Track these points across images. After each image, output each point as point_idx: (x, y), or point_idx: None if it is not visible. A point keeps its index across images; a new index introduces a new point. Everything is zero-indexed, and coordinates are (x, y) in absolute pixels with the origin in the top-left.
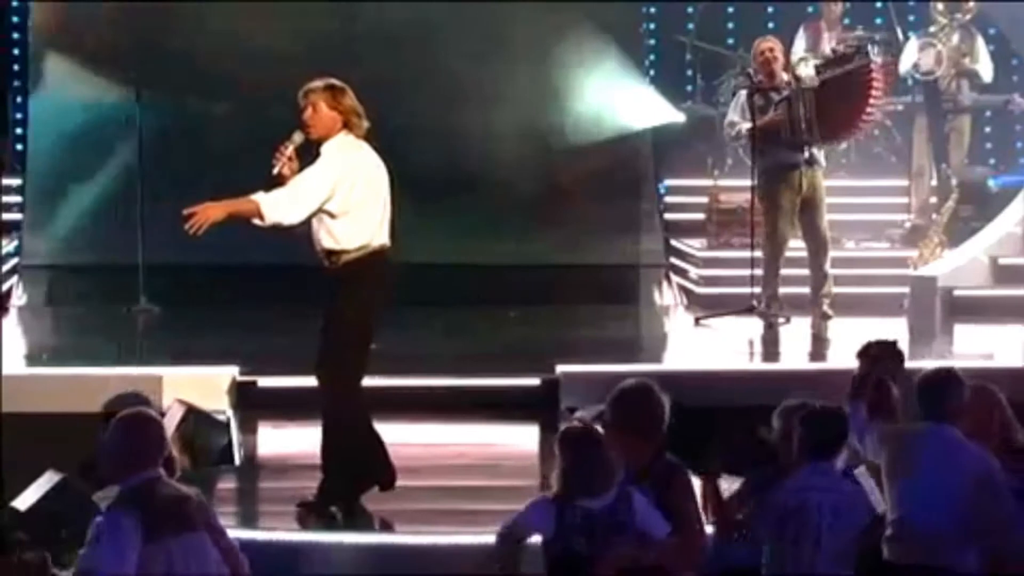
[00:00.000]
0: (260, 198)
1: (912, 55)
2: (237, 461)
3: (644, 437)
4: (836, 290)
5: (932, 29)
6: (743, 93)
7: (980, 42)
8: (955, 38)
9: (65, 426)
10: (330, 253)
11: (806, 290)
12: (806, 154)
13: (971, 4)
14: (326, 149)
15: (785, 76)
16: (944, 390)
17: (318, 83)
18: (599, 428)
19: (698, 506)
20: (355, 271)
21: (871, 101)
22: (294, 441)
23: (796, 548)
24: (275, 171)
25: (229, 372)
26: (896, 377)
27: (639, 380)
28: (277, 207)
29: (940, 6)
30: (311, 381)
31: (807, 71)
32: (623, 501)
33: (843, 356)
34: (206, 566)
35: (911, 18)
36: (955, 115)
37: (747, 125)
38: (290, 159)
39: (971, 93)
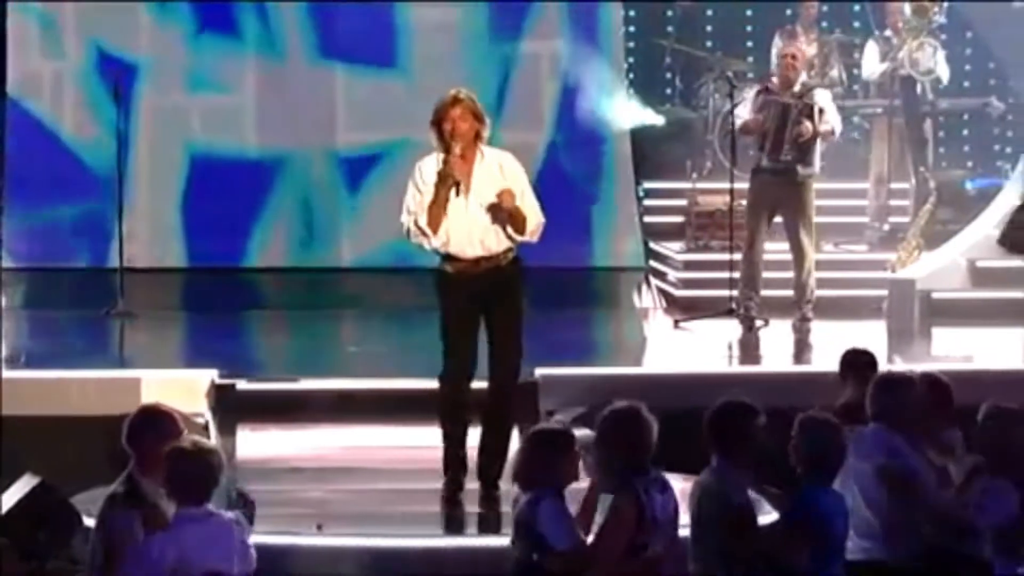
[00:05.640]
0: None
1: (874, 57)
2: None
3: (626, 458)
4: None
5: (888, 33)
6: (756, 89)
7: (939, 47)
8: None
9: (43, 429)
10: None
11: (786, 293)
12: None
13: (935, 11)
14: (515, 166)
15: (797, 87)
16: (893, 392)
17: (462, 92)
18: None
19: (605, 524)
20: (518, 269)
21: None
22: (273, 444)
23: None
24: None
25: (208, 375)
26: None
27: (631, 403)
28: None
29: (907, 9)
30: (291, 384)
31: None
32: (531, 505)
33: (823, 359)
34: None
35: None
36: (932, 118)
37: (739, 121)
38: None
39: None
